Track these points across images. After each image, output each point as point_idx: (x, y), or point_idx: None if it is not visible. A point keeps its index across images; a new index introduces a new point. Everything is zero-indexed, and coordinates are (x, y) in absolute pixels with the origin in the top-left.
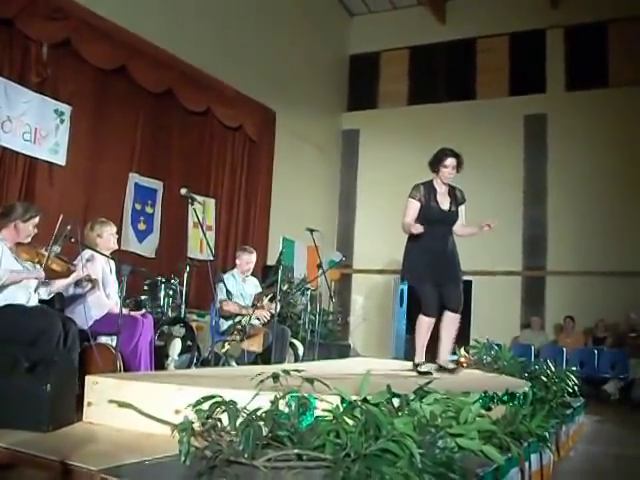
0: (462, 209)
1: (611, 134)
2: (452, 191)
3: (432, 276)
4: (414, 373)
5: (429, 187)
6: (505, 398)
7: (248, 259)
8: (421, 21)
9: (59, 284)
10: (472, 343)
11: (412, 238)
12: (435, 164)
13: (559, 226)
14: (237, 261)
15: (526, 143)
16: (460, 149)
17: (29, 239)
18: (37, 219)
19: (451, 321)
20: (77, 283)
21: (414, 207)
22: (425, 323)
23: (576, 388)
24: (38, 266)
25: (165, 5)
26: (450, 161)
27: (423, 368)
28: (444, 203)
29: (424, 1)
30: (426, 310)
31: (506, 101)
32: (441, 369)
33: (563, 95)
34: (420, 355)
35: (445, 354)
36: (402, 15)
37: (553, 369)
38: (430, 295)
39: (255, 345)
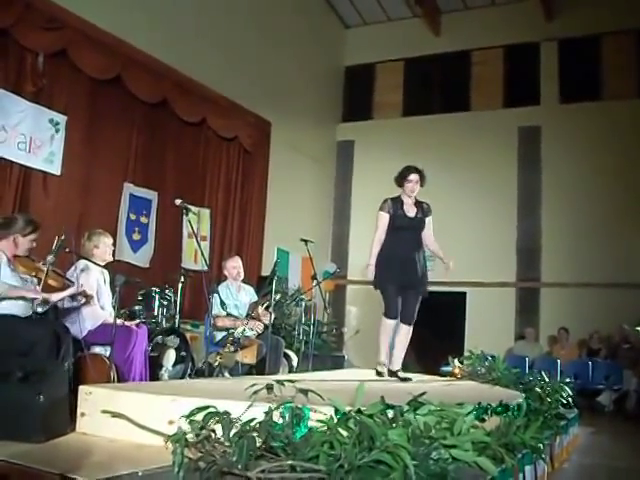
0: (429, 220)
1: (605, 146)
2: (419, 204)
3: (396, 279)
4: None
5: (397, 200)
6: (499, 409)
7: (232, 264)
8: (416, 33)
9: (53, 297)
10: (466, 354)
11: (383, 247)
12: (400, 179)
13: (553, 238)
14: (225, 272)
15: (520, 155)
16: (454, 160)
17: (27, 253)
18: (37, 234)
19: (404, 332)
20: (72, 297)
21: (384, 219)
22: (387, 325)
23: (570, 399)
24: (35, 280)
25: (161, 16)
26: (413, 176)
27: (379, 368)
28: (410, 212)
29: (419, 13)
30: (387, 312)
31: (500, 113)
32: (392, 374)
33: (557, 107)
34: (383, 354)
35: (397, 361)
36: (397, 27)
37: (547, 380)
38: (392, 298)
39: (249, 357)
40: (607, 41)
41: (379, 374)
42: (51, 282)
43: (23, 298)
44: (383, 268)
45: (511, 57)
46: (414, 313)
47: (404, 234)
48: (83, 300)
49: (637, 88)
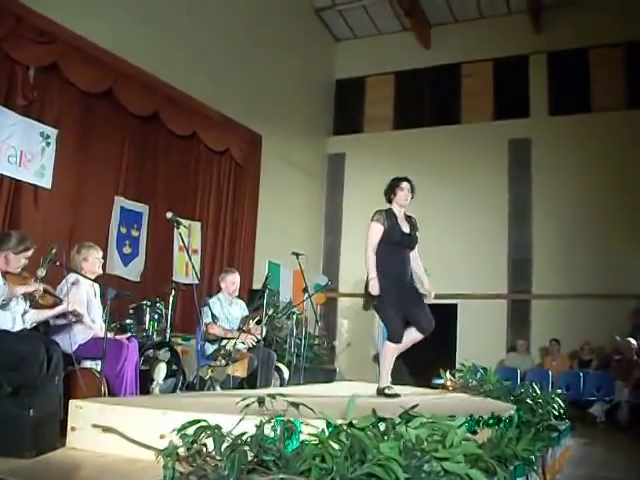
0: (417, 236)
1: (594, 158)
2: (408, 218)
3: (397, 300)
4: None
5: (390, 213)
6: (491, 421)
7: (232, 279)
8: (406, 46)
9: (42, 315)
10: (458, 366)
11: (377, 264)
12: (391, 191)
13: (544, 249)
14: (222, 284)
15: (510, 167)
16: (445, 173)
17: (18, 270)
18: (29, 252)
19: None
20: (63, 314)
21: (378, 230)
22: (392, 349)
23: (562, 411)
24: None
25: (151, 29)
26: (405, 184)
27: (390, 391)
28: (404, 227)
29: (409, 26)
30: (392, 337)
31: (490, 126)
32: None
33: (547, 120)
34: (385, 380)
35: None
36: (387, 40)
37: (539, 392)
38: (396, 321)
39: (240, 370)
40: (595, 54)
41: (390, 396)
42: (41, 301)
43: (11, 311)
44: (383, 289)
45: (500, 70)
46: (432, 321)
47: (401, 250)
48: (74, 319)
49: (626, 100)
